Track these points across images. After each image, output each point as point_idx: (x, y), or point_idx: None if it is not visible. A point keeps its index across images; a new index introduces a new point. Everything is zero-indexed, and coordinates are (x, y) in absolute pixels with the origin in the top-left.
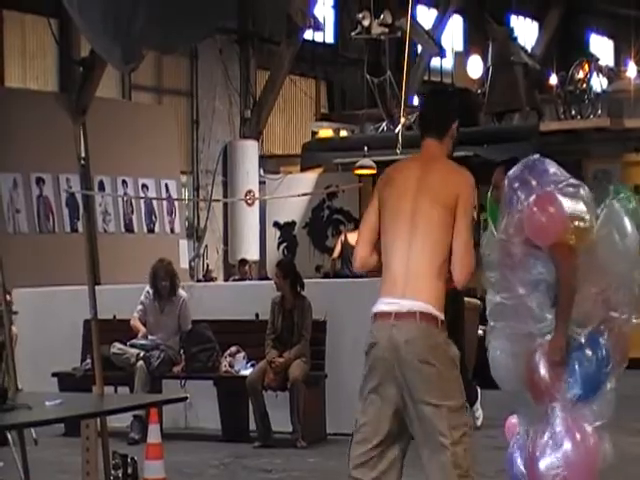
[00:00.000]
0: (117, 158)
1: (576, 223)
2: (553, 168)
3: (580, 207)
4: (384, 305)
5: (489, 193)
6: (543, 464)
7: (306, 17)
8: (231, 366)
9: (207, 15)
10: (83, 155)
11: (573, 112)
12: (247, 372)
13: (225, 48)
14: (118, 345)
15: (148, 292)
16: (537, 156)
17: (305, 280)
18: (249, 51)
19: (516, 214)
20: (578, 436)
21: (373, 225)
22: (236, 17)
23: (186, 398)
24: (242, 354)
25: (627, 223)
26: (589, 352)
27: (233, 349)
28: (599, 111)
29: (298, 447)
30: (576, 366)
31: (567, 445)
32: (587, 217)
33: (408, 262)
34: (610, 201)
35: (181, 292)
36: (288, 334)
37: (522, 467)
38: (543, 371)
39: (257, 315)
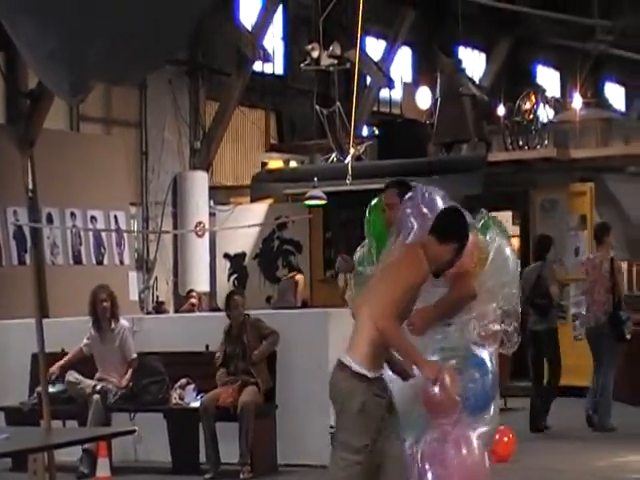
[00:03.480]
0: (65, 190)
1: (479, 253)
2: (439, 198)
3: (481, 238)
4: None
5: (371, 214)
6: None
7: (256, 49)
8: (181, 398)
9: (157, 48)
10: (31, 187)
11: (520, 142)
12: (197, 404)
13: (174, 79)
14: (75, 374)
15: (90, 327)
16: (425, 187)
17: (256, 311)
18: (199, 82)
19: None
20: (466, 448)
21: None
22: (186, 48)
23: (134, 431)
24: (192, 386)
25: (507, 248)
26: (482, 369)
27: (183, 381)
28: (546, 141)
29: (245, 478)
30: (470, 383)
31: (457, 456)
32: (487, 247)
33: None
34: (493, 230)
35: (122, 322)
36: (240, 360)
37: None
38: (439, 389)
39: (207, 347)
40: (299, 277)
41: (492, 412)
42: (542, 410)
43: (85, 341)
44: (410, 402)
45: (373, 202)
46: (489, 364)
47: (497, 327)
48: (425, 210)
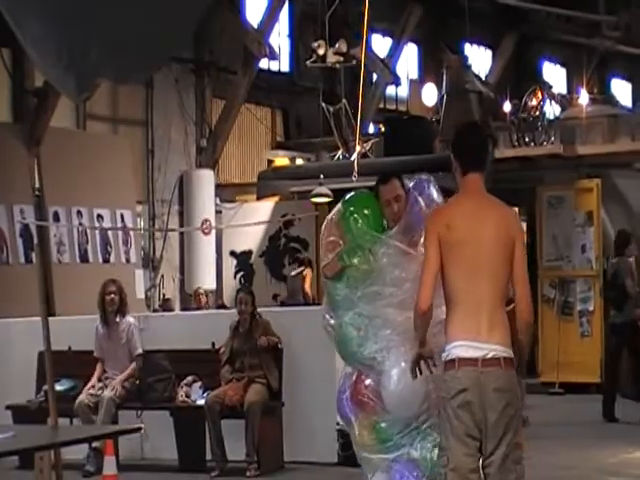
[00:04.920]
0: (72, 188)
1: None
2: (435, 191)
3: None
4: (467, 350)
5: (357, 212)
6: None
7: (262, 46)
8: (187, 396)
9: (161, 46)
10: (37, 186)
11: (527, 139)
12: (203, 402)
13: (181, 77)
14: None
15: (98, 324)
16: (424, 176)
17: (262, 309)
18: (204, 80)
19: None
20: None
21: (437, 270)
22: (192, 47)
23: (141, 429)
24: (198, 384)
25: None
26: None
27: (189, 379)
28: (552, 138)
29: (251, 476)
30: None
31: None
32: None
33: (481, 303)
34: None
35: (129, 318)
36: (247, 356)
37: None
38: None
39: (213, 344)
40: (307, 272)
41: None
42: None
43: (95, 346)
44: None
45: (352, 195)
46: None
47: None
48: (422, 203)
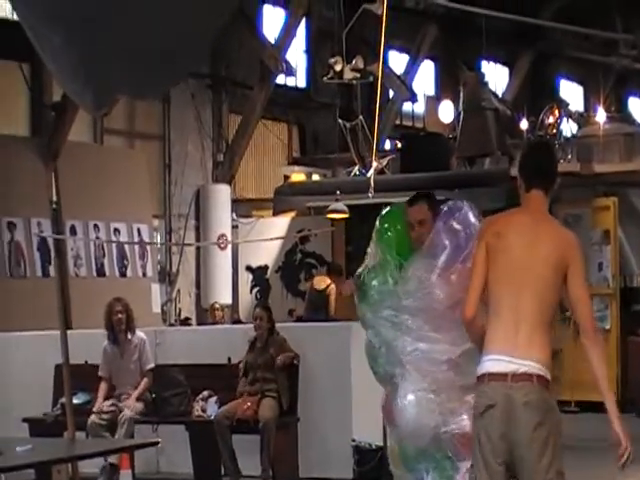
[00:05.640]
0: (89, 202)
1: None
2: (471, 213)
3: None
4: (499, 364)
5: (391, 225)
6: None
7: (279, 62)
8: (203, 410)
9: (179, 62)
10: (55, 199)
11: None
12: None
13: (197, 93)
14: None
15: (106, 344)
16: (457, 201)
17: (278, 324)
18: (221, 95)
19: (444, 265)
20: None
21: (483, 279)
22: (208, 62)
23: (157, 443)
24: (214, 398)
25: None
26: None
27: (205, 393)
28: (569, 156)
29: None
30: None
31: None
32: None
33: (520, 319)
34: None
35: (140, 334)
36: (260, 370)
37: None
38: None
39: (229, 359)
40: (332, 288)
41: None
42: None
43: (101, 364)
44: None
45: (387, 210)
46: None
47: None
48: (457, 226)
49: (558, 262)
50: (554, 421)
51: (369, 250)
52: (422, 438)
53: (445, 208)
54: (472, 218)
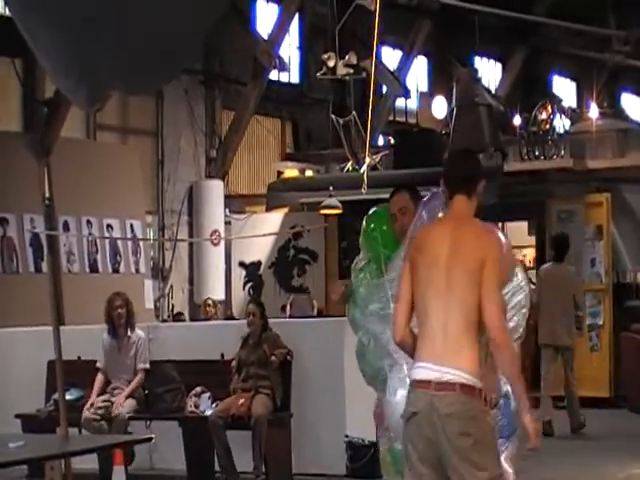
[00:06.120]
0: (82, 198)
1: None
2: (440, 205)
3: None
4: (425, 372)
5: (378, 224)
6: None
7: (272, 58)
8: (196, 406)
9: (173, 59)
10: (47, 195)
11: (536, 153)
12: (212, 412)
13: (190, 88)
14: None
15: (105, 337)
16: (436, 189)
17: (271, 320)
18: (215, 91)
19: None
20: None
21: (409, 296)
22: (202, 58)
23: (151, 439)
24: (207, 394)
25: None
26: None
27: (198, 389)
28: (562, 152)
29: None
30: (506, 407)
31: None
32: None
33: (445, 327)
34: None
35: (139, 332)
36: (253, 366)
37: None
38: None
39: (222, 355)
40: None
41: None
42: None
43: (100, 358)
44: None
45: (373, 211)
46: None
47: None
48: (441, 214)
49: (478, 265)
50: (481, 428)
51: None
52: None
53: (427, 197)
54: (439, 208)
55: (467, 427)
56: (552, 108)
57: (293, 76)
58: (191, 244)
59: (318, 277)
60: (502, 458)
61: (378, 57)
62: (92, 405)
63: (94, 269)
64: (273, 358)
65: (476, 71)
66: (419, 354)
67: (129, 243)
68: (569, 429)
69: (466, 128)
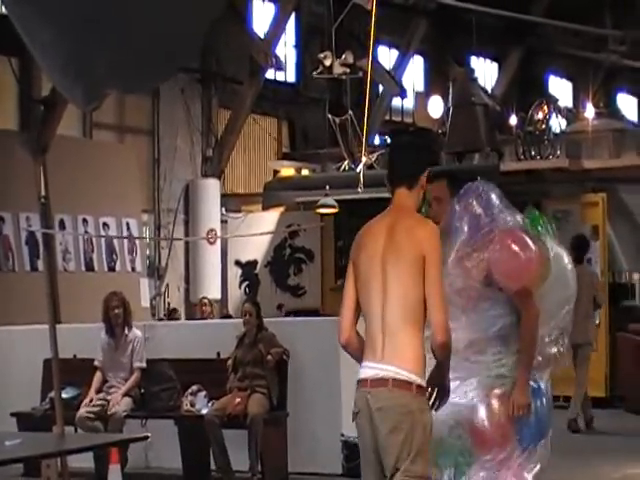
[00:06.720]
0: (78, 196)
1: (544, 269)
2: (496, 196)
3: (542, 245)
4: (364, 371)
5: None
6: None
7: (268, 57)
8: (192, 405)
9: (173, 59)
10: (43, 194)
11: (533, 152)
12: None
13: (187, 87)
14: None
15: (102, 335)
16: (482, 184)
17: (267, 319)
18: (211, 90)
19: (465, 248)
20: None
21: (354, 296)
22: (198, 57)
23: (147, 437)
24: (203, 393)
25: (563, 253)
26: (540, 398)
27: (194, 388)
28: (558, 152)
29: None
30: (531, 415)
31: None
32: (549, 255)
33: (384, 325)
34: (544, 231)
35: (136, 331)
36: (249, 366)
37: None
38: (497, 421)
39: (218, 354)
40: None
41: (545, 446)
42: None
43: (98, 356)
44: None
45: None
46: (544, 390)
47: (554, 349)
48: (479, 211)
49: (416, 259)
50: (414, 425)
51: None
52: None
53: (465, 189)
54: (495, 200)
55: (399, 422)
56: (548, 108)
57: (289, 75)
58: (187, 243)
59: (314, 276)
60: (524, 471)
61: (374, 56)
62: (91, 401)
63: (90, 267)
64: (269, 357)
65: (472, 71)
66: (365, 354)
67: (125, 242)
68: (565, 428)
69: (462, 128)
